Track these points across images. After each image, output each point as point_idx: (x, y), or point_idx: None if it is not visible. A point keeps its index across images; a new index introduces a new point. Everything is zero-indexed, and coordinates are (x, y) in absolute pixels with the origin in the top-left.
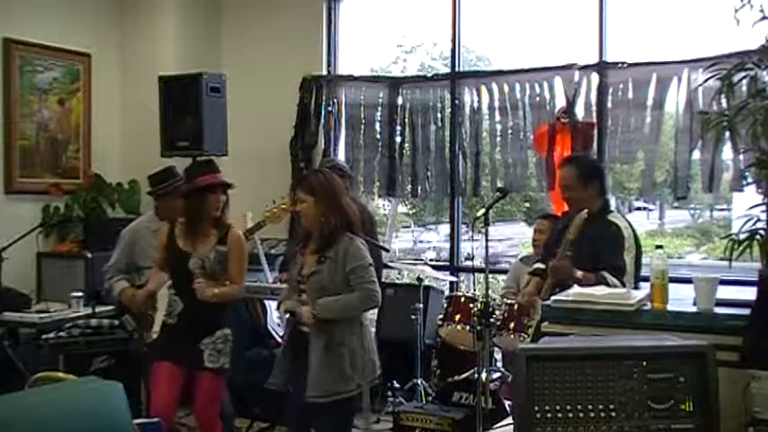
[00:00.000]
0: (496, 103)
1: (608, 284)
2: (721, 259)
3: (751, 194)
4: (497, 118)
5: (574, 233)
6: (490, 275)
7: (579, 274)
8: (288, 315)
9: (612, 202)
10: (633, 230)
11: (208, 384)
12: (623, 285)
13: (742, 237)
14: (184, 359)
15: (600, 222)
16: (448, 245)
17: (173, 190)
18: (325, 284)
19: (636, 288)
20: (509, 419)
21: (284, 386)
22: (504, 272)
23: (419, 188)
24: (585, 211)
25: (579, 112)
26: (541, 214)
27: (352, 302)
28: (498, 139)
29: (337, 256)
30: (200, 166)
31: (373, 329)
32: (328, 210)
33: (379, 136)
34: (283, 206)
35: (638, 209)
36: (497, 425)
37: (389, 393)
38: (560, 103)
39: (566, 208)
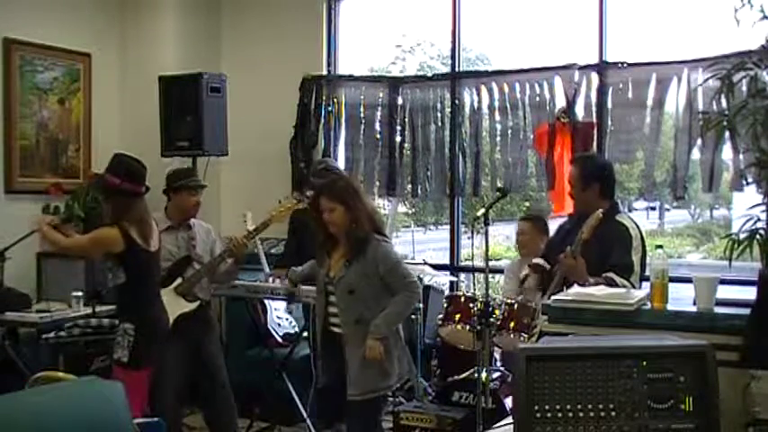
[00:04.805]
0: (496, 103)
1: (617, 285)
2: (721, 259)
3: (751, 194)
4: (497, 118)
5: (587, 232)
6: (490, 275)
7: (592, 280)
8: (316, 318)
9: None
10: (640, 231)
11: (115, 375)
12: (632, 285)
13: (742, 237)
14: None
15: (608, 222)
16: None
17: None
18: (353, 288)
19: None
20: (509, 419)
21: (332, 384)
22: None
23: (419, 188)
24: (600, 210)
25: (579, 112)
26: (522, 216)
27: (401, 306)
28: (498, 139)
29: (365, 259)
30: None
31: None
32: (358, 215)
33: (379, 136)
34: (288, 205)
35: (647, 208)
36: (497, 425)
37: (389, 393)
38: (560, 103)
39: (565, 208)
